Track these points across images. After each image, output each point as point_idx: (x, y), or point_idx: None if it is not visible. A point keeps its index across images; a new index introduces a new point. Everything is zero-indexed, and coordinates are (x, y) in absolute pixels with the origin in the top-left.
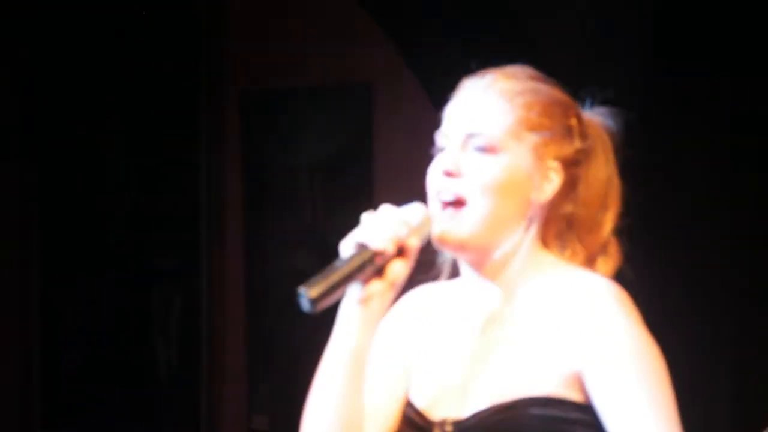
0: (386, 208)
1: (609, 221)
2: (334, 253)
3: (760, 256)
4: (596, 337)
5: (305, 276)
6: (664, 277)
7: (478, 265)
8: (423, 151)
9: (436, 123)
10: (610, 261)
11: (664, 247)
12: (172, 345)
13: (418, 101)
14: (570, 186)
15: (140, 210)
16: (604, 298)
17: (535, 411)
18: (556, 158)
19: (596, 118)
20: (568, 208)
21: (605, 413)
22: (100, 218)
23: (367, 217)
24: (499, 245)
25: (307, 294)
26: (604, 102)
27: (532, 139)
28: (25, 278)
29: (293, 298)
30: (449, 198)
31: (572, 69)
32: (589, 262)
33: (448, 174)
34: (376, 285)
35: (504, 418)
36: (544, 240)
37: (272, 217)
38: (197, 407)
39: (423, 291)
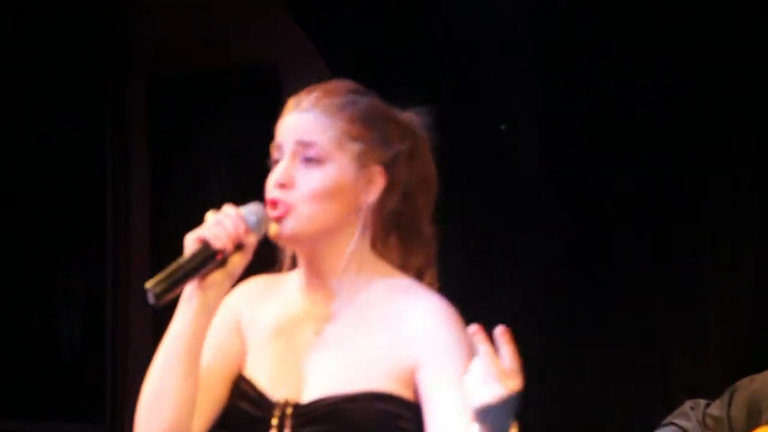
0: (228, 208)
1: (429, 206)
2: None
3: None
4: (427, 341)
5: None
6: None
7: (311, 262)
8: None
9: None
10: (428, 247)
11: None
12: (76, 328)
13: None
14: (391, 185)
15: (46, 196)
16: (434, 307)
17: (374, 405)
18: (379, 162)
19: (416, 117)
20: (391, 204)
21: (431, 403)
22: (4, 202)
23: (211, 216)
24: (331, 245)
25: (152, 289)
26: (418, 103)
27: (355, 147)
28: None
29: None
30: (280, 212)
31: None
32: (408, 250)
33: (281, 186)
34: (216, 275)
35: (345, 408)
36: (374, 243)
37: (179, 206)
38: (102, 390)
39: (263, 279)
